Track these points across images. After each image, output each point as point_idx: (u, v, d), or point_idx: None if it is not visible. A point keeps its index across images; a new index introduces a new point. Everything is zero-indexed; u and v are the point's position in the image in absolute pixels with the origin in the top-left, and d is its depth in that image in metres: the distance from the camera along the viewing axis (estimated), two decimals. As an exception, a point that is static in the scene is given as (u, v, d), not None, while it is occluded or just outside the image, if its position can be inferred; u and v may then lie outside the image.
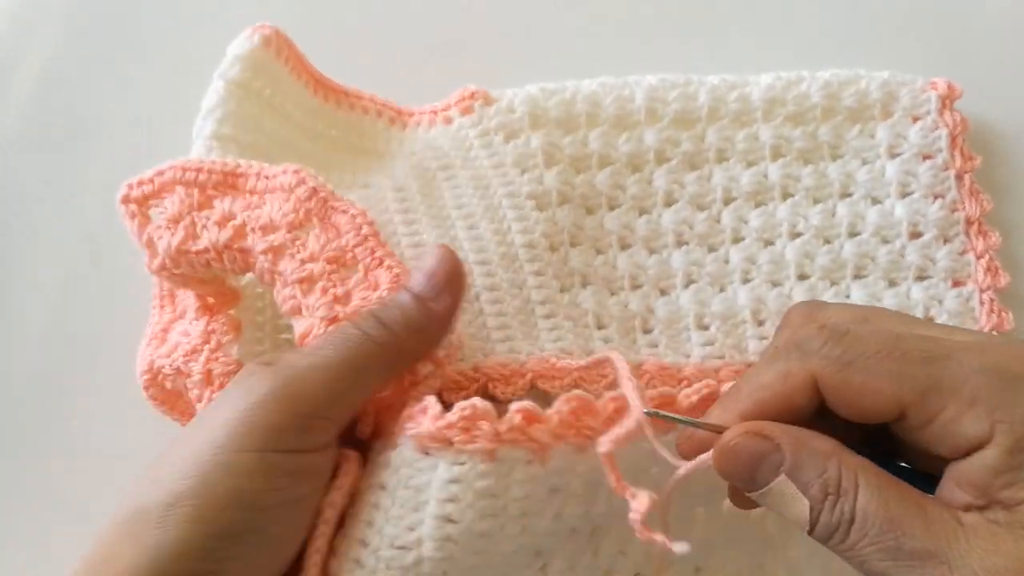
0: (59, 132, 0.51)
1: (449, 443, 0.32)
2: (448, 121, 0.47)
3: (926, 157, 0.46)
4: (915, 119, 0.46)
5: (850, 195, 0.46)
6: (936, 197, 0.45)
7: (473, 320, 0.41)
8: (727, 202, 0.45)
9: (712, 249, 0.45)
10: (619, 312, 0.44)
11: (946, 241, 0.45)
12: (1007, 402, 0.28)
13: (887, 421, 0.30)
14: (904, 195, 0.45)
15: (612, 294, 0.44)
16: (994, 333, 0.44)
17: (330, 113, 0.47)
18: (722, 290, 0.44)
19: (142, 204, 0.36)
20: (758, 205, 0.45)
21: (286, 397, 0.31)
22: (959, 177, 0.46)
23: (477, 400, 0.32)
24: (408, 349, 0.34)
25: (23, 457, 0.45)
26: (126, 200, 0.36)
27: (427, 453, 0.32)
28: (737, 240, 0.45)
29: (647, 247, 0.45)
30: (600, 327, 0.43)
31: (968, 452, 0.28)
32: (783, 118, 0.46)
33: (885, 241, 0.45)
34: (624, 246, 0.45)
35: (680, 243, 0.45)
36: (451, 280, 0.35)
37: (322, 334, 0.34)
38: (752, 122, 0.46)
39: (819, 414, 0.31)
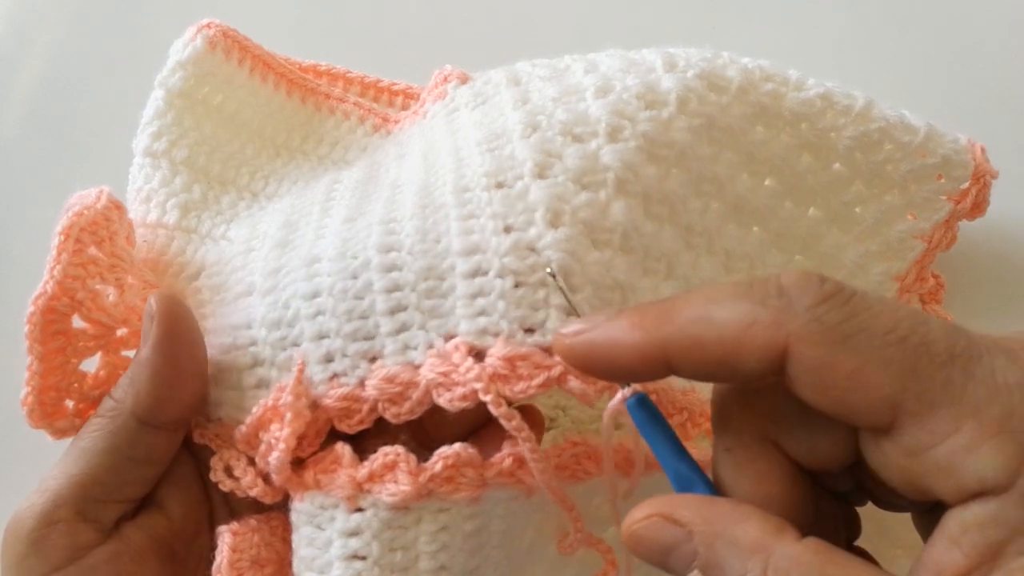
0: (59, 132, 0.52)
1: (432, 494, 0.30)
2: (424, 115, 0.42)
3: (887, 259, 0.41)
4: (912, 216, 0.41)
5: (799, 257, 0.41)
6: None
7: (354, 310, 0.32)
8: (717, 198, 0.38)
9: (689, 246, 0.37)
10: None
11: None
12: None
13: (870, 428, 0.23)
14: None
15: None
16: None
17: (304, 117, 0.43)
18: None
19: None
20: (737, 222, 0.39)
21: (18, 522, 0.31)
22: (902, 293, 0.42)
23: (460, 447, 0.30)
24: (125, 407, 0.32)
25: (21, 458, 0.45)
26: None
27: (407, 508, 0.31)
28: (710, 251, 0.38)
29: None
30: None
31: (974, 496, 0.21)
32: (799, 143, 0.39)
33: None
34: None
35: (671, 221, 0.36)
36: (151, 318, 0.32)
37: None
38: (772, 126, 0.38)
39: (770, 386, 0.24)
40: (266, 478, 0.33)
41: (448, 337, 0.31)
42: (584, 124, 0.34)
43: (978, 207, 0.42)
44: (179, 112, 0.39)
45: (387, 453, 0.31)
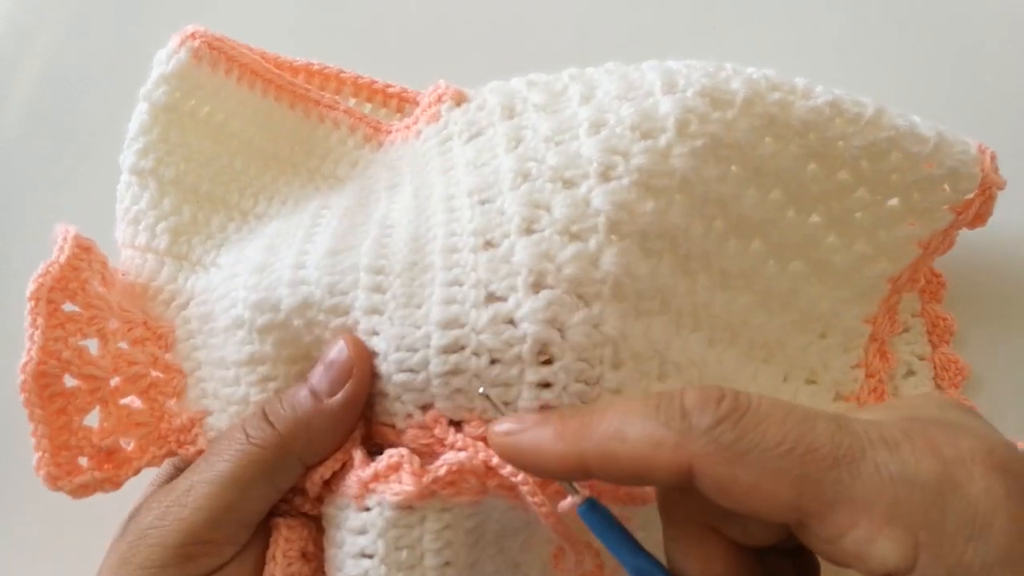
0: (59, 132, 0.52)
1: (434, 495, 0.31)
2: (418, 135, 0.41)
3: (881, 262, 0.40)
4: (912, 223, 0.40)
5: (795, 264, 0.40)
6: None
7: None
8: (721, 216, 0.37)
9: (687, 272, 0.36)
10: None
11: (844, 351, 0.40)
12: (933, 520, 0.22)
13: (783, 525, 0.25)
14: (835, 287, 0.40)
15: None
16: (929, 395, 0.40)
17: (293, 124, 0.42)
18: (678, 329, 0.35)
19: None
20: (738, 236, 0.38)
21: (160, 531, 0.31)
22: (893, 293, 0.41)
23: (464, 456, 0.31)
24: (293, 448, 0.32)
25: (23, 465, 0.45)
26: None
27: (411, 507, 0.31)
28: (708, 271, 0.37)
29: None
30: None
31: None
32: (806, 152, 0.37)
33: (798, 330, 0.40)
34: None
35: (671, 252, 0.35)
36: (348, 371, 0.31)
37: (214, 440, 0.34)
38: (782, 137, 0.36)
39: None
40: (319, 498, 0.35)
41: (425, 407, 0.32)
42: (575, 167, 0.33)
43: (980, 218, 0.40)
44: (165, 127, 0.38)
45: (392, 455, 0.32)
